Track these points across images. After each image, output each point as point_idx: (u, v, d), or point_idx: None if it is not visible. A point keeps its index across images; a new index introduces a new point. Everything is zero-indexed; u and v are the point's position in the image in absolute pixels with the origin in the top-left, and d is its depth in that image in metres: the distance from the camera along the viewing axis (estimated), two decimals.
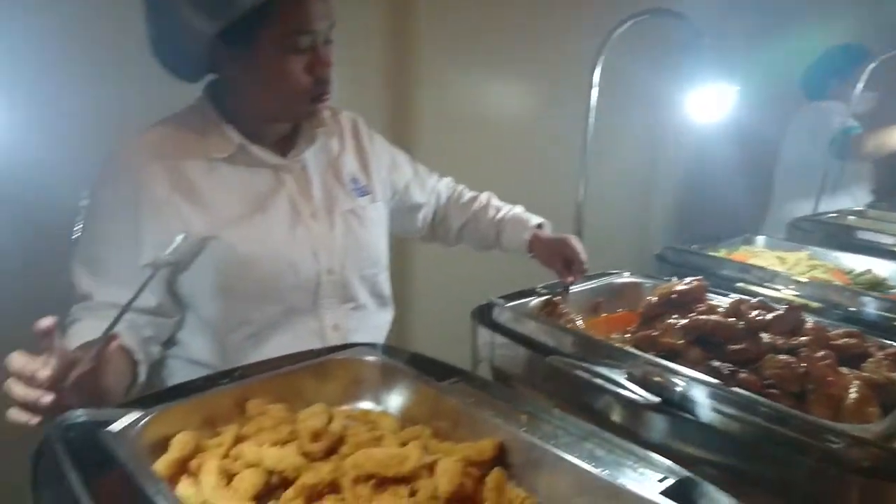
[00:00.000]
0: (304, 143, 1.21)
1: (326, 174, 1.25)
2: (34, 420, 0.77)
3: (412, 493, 0.74)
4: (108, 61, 1.40)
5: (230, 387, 0.91)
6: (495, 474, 0.75)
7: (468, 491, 0.74)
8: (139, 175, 1.07)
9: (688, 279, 1.33)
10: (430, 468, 0.77)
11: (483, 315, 1.29)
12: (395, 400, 0.97)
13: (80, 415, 0.77)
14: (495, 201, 1.57)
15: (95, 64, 1.43)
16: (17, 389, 0.76)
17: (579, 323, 1.27)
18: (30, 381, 0.76)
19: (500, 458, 0.81)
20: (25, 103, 1.23)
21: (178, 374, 1.17)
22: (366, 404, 0.97)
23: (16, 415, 0.77)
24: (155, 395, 0.87)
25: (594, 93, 1.92)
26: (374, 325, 1.29)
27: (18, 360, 0.77)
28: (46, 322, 0.77)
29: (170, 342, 1.16)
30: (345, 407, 0.95)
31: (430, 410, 0.91)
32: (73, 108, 1.42)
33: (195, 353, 1.16)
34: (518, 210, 1.54)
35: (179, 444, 0.79)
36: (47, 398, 0.76)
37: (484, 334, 1.25)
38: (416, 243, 1.68)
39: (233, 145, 1.13)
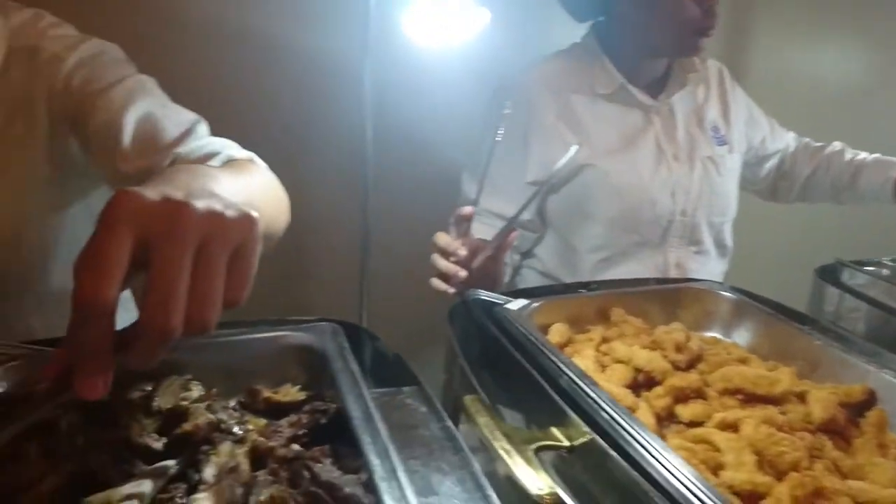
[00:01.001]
0: (675, 86, 1.27)
1: (690, 120, 1.29)
2: (450, 290, 0.94)
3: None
4: None
5: (592, 295, 1.01)
6: (877, 411, 0.75)
7: (839, 425, 0.75)
8: (532, 103, 1.21)
9: None
10: (799, 397, 0.79)
11: (827, 275, 1.25)
12: (745, 335, 0.99)
13: (481, 293, 0.92)
14: (850, 148, 1.48)
15: None
16: (441, 263, 0.94)
17: None
18: (450, 257, 0.93)
19: (869, 404, 0.80)
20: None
21: (529, 282, 1.32)
22: (714, 335, 1.01)
23: (437, 283, 0.95)
24: (533, 290, 1.00)
25: None
26: (713, 271, 1.32)
27: (443, 238, 0.94)
28: (467, 210, 0.93)
29: (527, 254, 1.31)
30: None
31: (785, 349, 0.92)
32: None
33: (549, 267, 1.29)
34: (877, 155, 1.44)
35: (558, 332, 0.90)
36: (462, 273, 0.92)
37: (829, 294, 1.21)
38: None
39: (615, 83, 1.23)
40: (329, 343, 0.75)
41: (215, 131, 0.87)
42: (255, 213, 0.47)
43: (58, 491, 0.53)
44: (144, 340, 0.41)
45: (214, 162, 0.79)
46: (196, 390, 0.68)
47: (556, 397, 0.66)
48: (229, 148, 0.82)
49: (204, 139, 0.83)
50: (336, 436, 0.63)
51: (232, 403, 0.71)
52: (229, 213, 0.44)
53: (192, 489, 0.53)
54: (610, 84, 1.23)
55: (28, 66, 0.83)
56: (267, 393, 0.70)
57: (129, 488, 0.51)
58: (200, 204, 0.43)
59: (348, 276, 1.72)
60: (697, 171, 1.26)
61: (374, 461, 0.54)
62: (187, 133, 0.82)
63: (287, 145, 1.65)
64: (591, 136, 1.21)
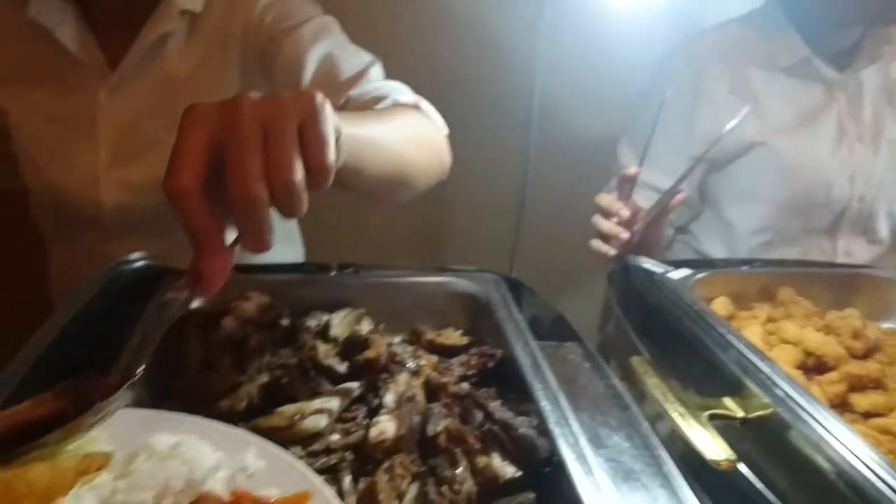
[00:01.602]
0: (865, 60, 1.15)
1: (879, 97, 1.17)
2: (611, 252, 0.92)
3: None
4: None
5: (757, 272, 0.96)
6: None
7: None
8: (700, 74, 1.14)
9: None
10: None
11: None
12: None
13: (643, 260, 0.89)
14: None
15: None
16: (603, 223, 0.92)
17: None
18: (612, 218, 0.91)
19: None
20: None
21: (681, 258, 1.26)
22: (892, 326, 0.94)
23: (597, 245, 0.94)
24: (694, 262, 0.97)
25: None
26: (886, 263, 1.21)
27: (606, 199, 0.92)
28: (633, 170, 0.90)
29: (682, 229, 1.25)
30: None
31: None
32: None
33: (703, 245, 1.23)
34: None
35: (722, 306, 0.87)
36: (625, 234, 0.90)
37: None
38: None
39: (798, 55, 1.13)
40: (493, 293, 0.76)
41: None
42: (315, 92, 0.49)
43: (251, 399, 0.58)
44: (239, 217, 0.44)
45: (381, 105, 0.81)
46: (366, 324, 0.71)
47: (735, 368, 0.64)
48: (397, 92, 0.84)
49: (376, 82, 0.86)
50: (500, 380, 0.64)
51: (397, 340, 0.74)
52: (286, 95, 0.47)
53: (373, 412, 0.56)
54: (792, 55, 1.13)
55: (227, 3, 0.89)
56: (430, 335, 0.73)
57: (318, 403, 0.55)
58: (256, 95, 0.46)
59: (502, 233, 1.77)
60: (882, 154, 1.15)
61: (546, 407, 0.55)
62: (361, 74, 0.85)
63: (459, 103, 1.69)
64: (765, 112, 1.12)
